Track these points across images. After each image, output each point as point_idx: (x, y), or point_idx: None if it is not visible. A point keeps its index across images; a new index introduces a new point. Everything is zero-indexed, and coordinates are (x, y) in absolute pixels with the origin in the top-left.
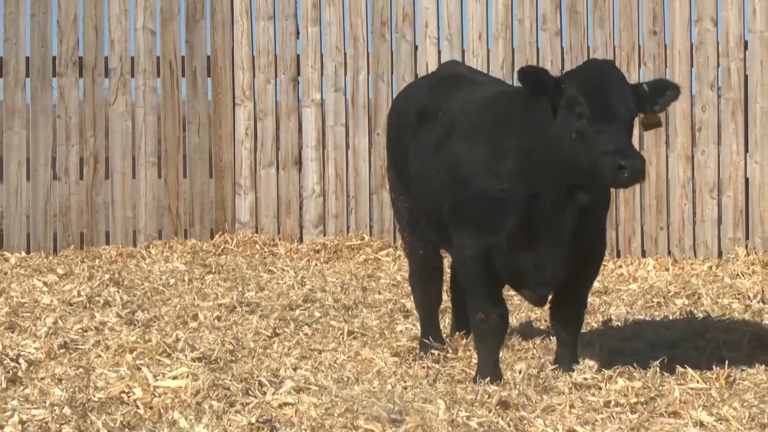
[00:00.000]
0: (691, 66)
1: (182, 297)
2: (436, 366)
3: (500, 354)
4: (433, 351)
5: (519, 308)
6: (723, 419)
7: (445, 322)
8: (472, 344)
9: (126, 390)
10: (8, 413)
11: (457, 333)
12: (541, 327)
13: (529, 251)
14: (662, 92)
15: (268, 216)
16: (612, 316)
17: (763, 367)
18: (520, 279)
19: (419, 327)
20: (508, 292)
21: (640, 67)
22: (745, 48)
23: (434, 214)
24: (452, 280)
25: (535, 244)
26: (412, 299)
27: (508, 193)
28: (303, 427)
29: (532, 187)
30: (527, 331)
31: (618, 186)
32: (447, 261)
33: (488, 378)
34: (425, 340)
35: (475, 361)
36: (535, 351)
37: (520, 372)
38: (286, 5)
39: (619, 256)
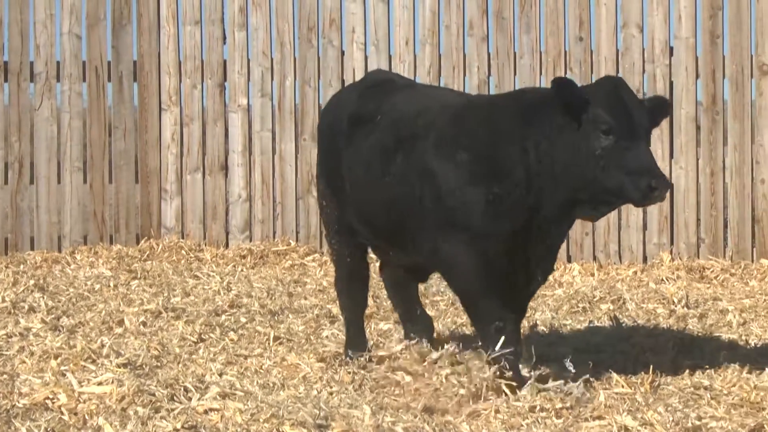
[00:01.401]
0: (617, 72)
1: (107, 303)
2: (362, 371)
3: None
4: (358, 356)
5: (444, 313)
6: (648, 423)
7: (371, 327)
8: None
9: (51, 396)
10: None
11: (413, 338)
12: (467, 332)
13: (514, 263)
14: (659, 109)
15: (194, 221)
16: (538, 322)
17: (688, 371)
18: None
19: (344, 332)
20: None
21: (566, 72)
22: (671, 54)
23: (383, 218)
24: (391, 284)
25: (521, 257)
26: (338, 305)
27: (504, 202)
28: None
29: (530, 198)
30: (456, 335)
31: (640, 205)
32: (374, 267)
33: (523, 389)
34: (350, 347)
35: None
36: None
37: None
38: (213, 10)
39: None
